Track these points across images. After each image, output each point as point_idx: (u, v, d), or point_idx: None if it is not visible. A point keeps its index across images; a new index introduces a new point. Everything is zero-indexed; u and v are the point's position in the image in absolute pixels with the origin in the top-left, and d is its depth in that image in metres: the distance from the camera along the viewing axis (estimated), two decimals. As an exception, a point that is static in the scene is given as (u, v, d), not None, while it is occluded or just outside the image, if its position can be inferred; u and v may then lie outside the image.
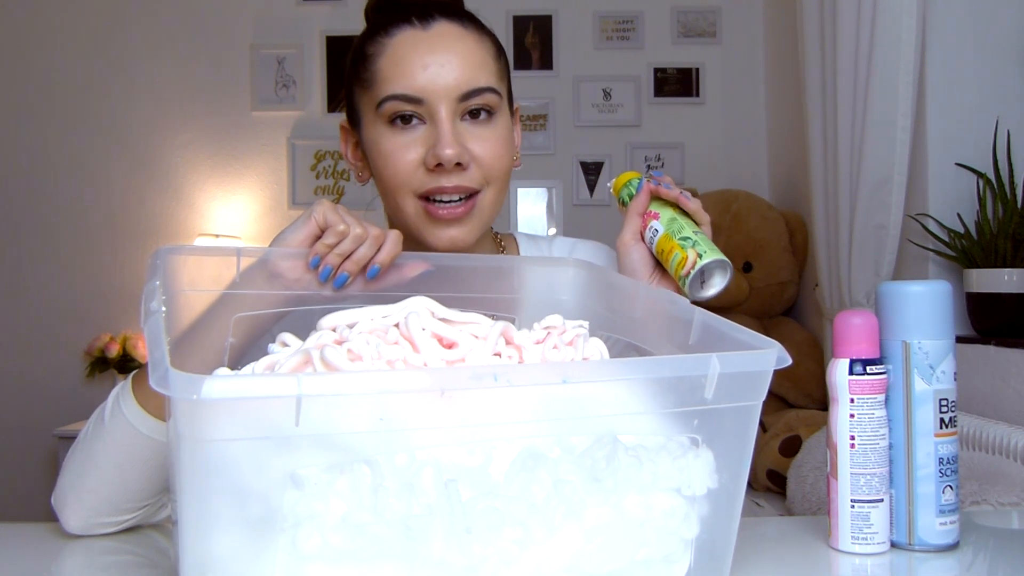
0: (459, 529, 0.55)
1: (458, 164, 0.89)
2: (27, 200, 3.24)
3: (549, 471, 0.58)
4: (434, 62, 0.89)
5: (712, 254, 0.84)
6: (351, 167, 1.01)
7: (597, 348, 0.70)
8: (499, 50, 0.96)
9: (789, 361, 0.62)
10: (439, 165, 0.88)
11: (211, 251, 0.82)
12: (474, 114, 0.91)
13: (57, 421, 2.99)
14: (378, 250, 0.80)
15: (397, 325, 0.66)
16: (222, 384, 0.50)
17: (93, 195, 3.25)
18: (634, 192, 0.92)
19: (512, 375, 0.56)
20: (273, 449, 0.53)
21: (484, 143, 0.91)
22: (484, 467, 0.57)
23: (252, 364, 0.64)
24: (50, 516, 0.83)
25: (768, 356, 0.61)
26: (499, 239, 1.07)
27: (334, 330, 0.67)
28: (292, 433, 0.52)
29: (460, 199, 0.91)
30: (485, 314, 0.71)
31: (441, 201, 0.91)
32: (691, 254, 0.84)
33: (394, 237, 0.81)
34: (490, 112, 0.92)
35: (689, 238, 0.85)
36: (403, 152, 0.90)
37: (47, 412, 3.11)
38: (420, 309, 0.67)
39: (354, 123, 0.98)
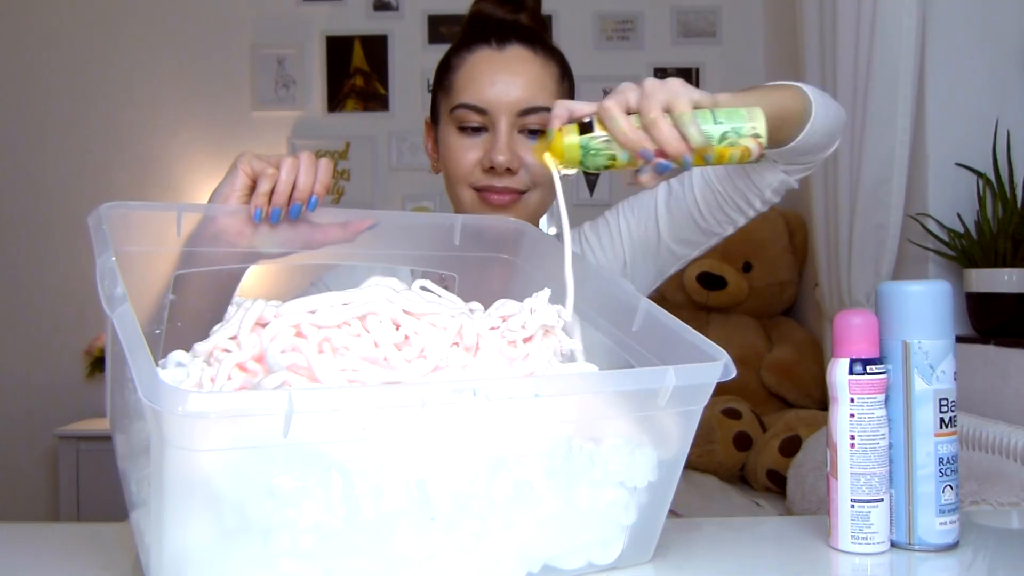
0: (424, 520, 0.59)
1: (508, 169, 1.01)
2: (27, 200, 3.24)
3: (511, 473, 0.62)
4: (501, 80, 1.02)
5: (755, 125, 0.73)
6: (428, 157, 1.14)
7: (551, 346, 0.73)
8: (563, 74, 1.08)
9: (734, 373, 0.67)
10: (492, 168, 1.01)
11: (152, 207, 0.82)
12: (532, 129, 1.03)
13: (57, 421, 2.99)
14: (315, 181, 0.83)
15: (364, 319, 0.67)
16: (210, 400, 0.52)
17: (93, 195, 3.24)
18: (599, 152, 0.75)
19: (489, 390, 0.60)
20: (251, 460, 0.55)
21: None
22: (452, 471, 0.60)
23: (215, 336, 0.66)
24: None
25: (715, 369, 0.67)
26: None
27: (298, 331, 0.66)
28: (279, 444, 0.54)
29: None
30: (433, 274, 0.77)
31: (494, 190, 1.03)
32: (751, 144, 0.73)
33: (325, 163, 0.83)
34: (544, 128, 1.02)
35: (723, 136, 0.72)
36: (465, 152, 1.03)
37: (47, 412, 3.11)
38: (381, 299, 0.68)
39: (434, 121, 1.11)
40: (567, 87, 1.08)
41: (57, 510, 2.84)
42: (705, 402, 0.68)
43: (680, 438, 0.69)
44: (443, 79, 1.08)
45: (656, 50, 3.30)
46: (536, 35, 1.08)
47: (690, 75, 3.29)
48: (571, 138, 0.75)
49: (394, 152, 3.27)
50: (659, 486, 0.69)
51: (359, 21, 3.29)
